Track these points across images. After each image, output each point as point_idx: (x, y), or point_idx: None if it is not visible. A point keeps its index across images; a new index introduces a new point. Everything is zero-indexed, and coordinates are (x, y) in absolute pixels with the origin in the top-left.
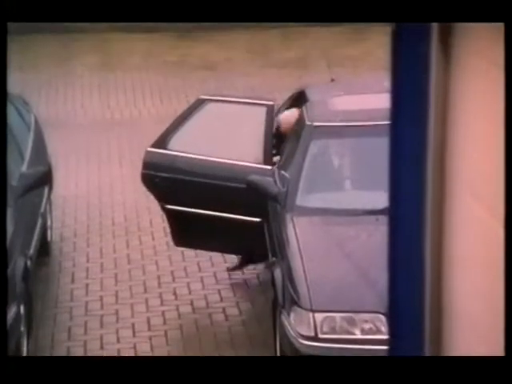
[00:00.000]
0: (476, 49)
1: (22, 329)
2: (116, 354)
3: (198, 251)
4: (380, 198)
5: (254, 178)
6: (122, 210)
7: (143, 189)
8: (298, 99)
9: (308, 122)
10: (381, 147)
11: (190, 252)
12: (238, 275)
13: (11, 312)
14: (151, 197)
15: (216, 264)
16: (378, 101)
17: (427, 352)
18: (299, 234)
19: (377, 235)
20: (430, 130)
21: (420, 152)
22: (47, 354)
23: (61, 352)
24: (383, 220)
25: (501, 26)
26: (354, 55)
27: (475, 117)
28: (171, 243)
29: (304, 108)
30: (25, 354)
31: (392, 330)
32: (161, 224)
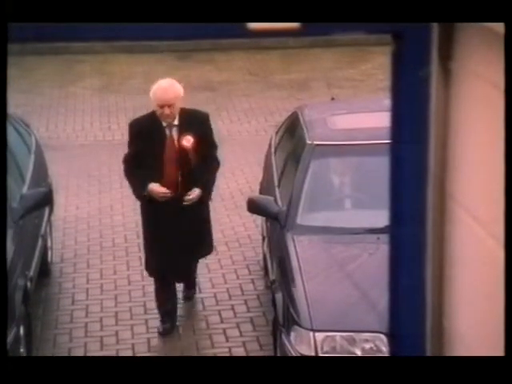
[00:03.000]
0: (476, 73)
1: (22, 350)
2: None
3: (199, 272)
4: (381, 217)
5: (254, 196)
6: (123, 231)
7: None
8: (298, 118)
9: (308, 141)
10: (381, 166)
11: None
12: (238, 295)
13: (11, 334)
14: None
15: (216, 285)
16: (378, 119)
17: None
18: (300, 252)
19: (378, 254)
20: (430, 151)
21: (420, 171)
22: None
23: None
24: (384, 239)
25: (501, 47)
26: (354, 77)
27: (475, 138)
28: None
29: (304, 127)
30: None
31: (393, 351)
32: None
